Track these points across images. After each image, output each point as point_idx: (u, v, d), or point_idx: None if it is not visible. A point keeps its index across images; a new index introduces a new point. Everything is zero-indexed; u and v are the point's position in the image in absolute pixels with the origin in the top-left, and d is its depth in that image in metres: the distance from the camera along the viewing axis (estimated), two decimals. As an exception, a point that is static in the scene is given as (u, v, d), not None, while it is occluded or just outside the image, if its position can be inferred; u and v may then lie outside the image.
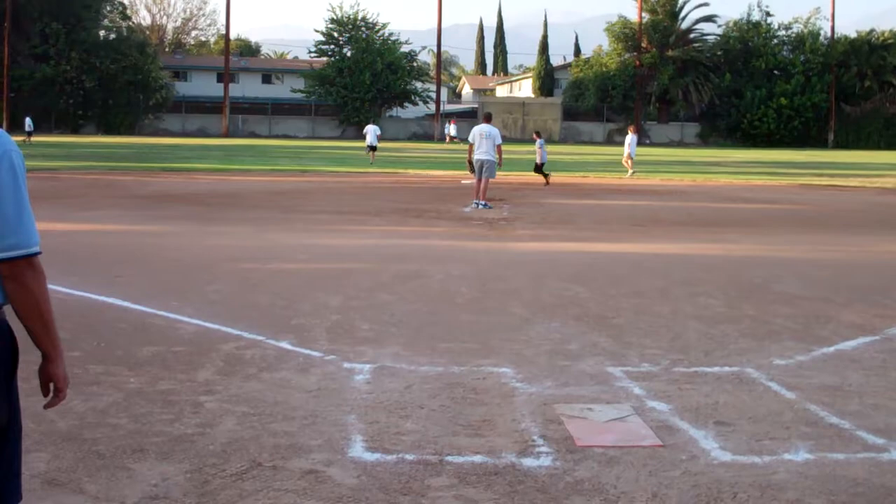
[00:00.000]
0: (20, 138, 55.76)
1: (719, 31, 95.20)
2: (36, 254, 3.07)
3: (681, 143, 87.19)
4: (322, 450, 5.55)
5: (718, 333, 8.95)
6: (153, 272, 12.06)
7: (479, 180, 21.77)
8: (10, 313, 3.12)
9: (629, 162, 35.90)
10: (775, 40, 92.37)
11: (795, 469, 5.36)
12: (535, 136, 33.24)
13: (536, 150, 31.56)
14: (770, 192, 29.53)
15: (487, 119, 23.28)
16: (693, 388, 6.98)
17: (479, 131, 21.98)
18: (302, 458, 5.40)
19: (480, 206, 21.49)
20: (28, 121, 59.66)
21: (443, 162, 42.24)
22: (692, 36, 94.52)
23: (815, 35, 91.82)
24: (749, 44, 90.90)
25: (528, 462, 5.41)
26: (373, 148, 43.27)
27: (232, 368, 7.34)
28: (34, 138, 58.11)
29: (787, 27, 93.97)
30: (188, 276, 11.67)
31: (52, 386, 3.28)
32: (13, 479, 3.14)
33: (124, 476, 5.08)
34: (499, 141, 21.93)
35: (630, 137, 36.57)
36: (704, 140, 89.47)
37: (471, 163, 22.20)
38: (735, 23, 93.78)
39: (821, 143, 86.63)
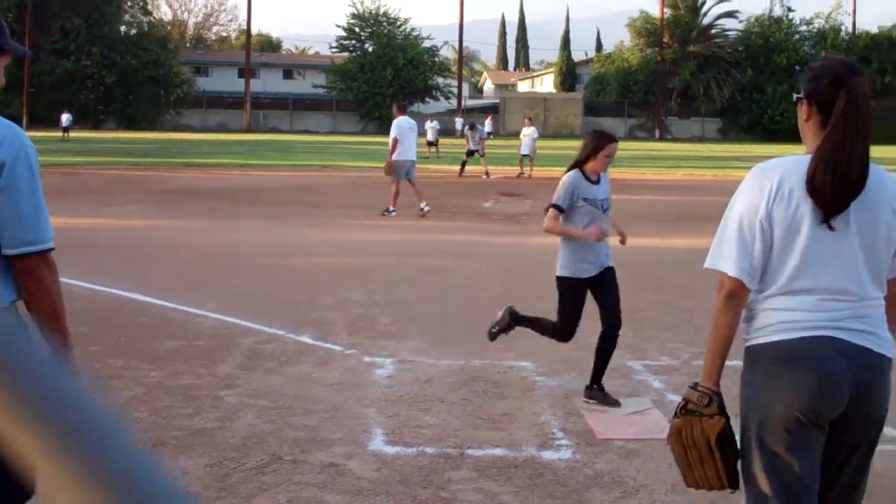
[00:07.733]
0: (57, 134, 54.33)
1: (741, 26, 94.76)
2: (50, 249, 3.08)
3: (702, 139, 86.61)
4: (342, 443, 5.56)
5: (740, 328, 8.90)
6: (175, 267, 12.10)
7: (413, 182, 19.01)
8: (23, 308, 3.14)
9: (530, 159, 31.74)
10: (797, 36, 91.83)
11: (817, 463, 5.34)
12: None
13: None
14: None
15: (403, 111, 19.33)
16: (714, 383, 6.95)
17: (409, 125, 18.76)
18: (322, 451, 5.42)
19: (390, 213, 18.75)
20: (66, 116, 54.90)
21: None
22: (714, 31, 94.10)
23: (836, 31, 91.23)
24: (770, 39, 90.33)
25: (548, 455, 5.41)
26: (432, 143, 43.53)
27: (252, 362, 7.36)
28: (72, 134, 54.37)
29: (809, 23, 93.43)
30: (210, 271, 11.71)
31: None
32: None
33: (145, 468, 5.09)
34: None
35: (531, 129, 32.34)
36: (725, 135, 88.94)
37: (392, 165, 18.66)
38: (757, 18, 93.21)
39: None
